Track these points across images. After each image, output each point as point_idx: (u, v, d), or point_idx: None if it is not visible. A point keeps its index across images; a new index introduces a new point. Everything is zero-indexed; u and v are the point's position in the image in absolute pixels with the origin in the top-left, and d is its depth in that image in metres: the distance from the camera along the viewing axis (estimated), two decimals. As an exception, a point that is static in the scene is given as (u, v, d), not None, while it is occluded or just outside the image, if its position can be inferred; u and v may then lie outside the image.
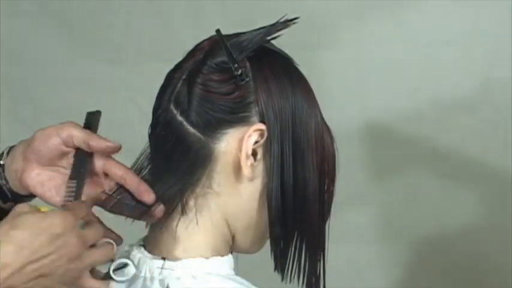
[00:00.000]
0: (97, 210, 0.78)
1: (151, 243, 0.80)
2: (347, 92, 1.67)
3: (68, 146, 0.79)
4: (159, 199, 0.77)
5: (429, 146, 1.67)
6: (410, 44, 1.64)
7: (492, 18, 1.62)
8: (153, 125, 0.80)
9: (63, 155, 0.80)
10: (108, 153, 0.80)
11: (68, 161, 0.80)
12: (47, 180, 0.80)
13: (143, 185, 0.77)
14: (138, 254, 0.79)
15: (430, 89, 1.65)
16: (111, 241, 0.75)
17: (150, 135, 0.81)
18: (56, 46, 1.75)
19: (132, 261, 0.78)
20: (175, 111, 0.78)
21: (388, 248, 1.72)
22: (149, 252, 0.79)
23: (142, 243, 0.81)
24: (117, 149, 0.79)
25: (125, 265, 0.77)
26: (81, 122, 0.83)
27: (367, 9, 1.64)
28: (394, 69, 1.65)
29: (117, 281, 0.77)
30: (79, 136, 0.78)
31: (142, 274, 0.78)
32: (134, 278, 0.78)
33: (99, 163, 0.79)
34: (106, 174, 0.80)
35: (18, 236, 0.68)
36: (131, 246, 0.81)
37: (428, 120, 1.66)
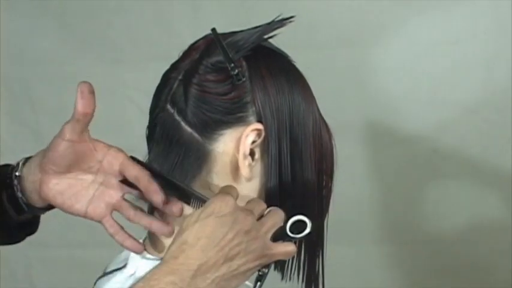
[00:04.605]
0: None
1: (152, 244, 0.81)
2: (347, 92, 1.67)
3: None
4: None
5: (429, 146, 1.67)
6: (410, 43, 1.64)
7: (492, 18, 1.62)
8: (150, 126, 0.80)
9: (79, 159, 0.78)
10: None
11: (86, 165, 0.78)
12: (66, 189, 0.78)
13: (153, 185, 0.76)
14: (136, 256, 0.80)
15: (430, 89, 1.65)
16: (277, 208, 0.74)
17: (148, 137, 0.81)
18: (56, 46, 1.75)
19: (307, 217, 0.74)
20: (172, 111, 0.77)
21: (388, 248, 1.72)
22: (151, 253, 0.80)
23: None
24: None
25: (300, 222, 0.74)
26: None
27: (367, 9, 1.64)
28: (394, 69, 1.65)
29: (295, 239, 0.73)
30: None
31: (143, 273, 0.78)
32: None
33: (116, 162, 0.78)
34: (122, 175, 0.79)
35: (192, 234, 0.69)
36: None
37: (428, 120, 1.66)
